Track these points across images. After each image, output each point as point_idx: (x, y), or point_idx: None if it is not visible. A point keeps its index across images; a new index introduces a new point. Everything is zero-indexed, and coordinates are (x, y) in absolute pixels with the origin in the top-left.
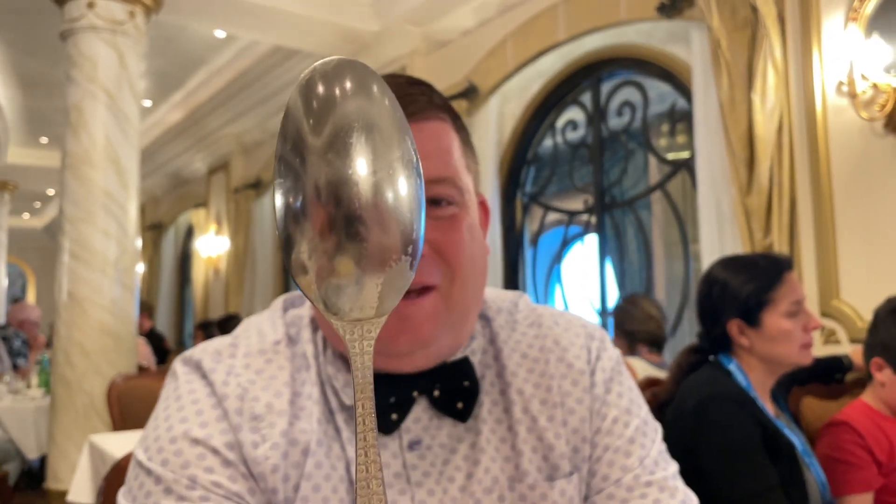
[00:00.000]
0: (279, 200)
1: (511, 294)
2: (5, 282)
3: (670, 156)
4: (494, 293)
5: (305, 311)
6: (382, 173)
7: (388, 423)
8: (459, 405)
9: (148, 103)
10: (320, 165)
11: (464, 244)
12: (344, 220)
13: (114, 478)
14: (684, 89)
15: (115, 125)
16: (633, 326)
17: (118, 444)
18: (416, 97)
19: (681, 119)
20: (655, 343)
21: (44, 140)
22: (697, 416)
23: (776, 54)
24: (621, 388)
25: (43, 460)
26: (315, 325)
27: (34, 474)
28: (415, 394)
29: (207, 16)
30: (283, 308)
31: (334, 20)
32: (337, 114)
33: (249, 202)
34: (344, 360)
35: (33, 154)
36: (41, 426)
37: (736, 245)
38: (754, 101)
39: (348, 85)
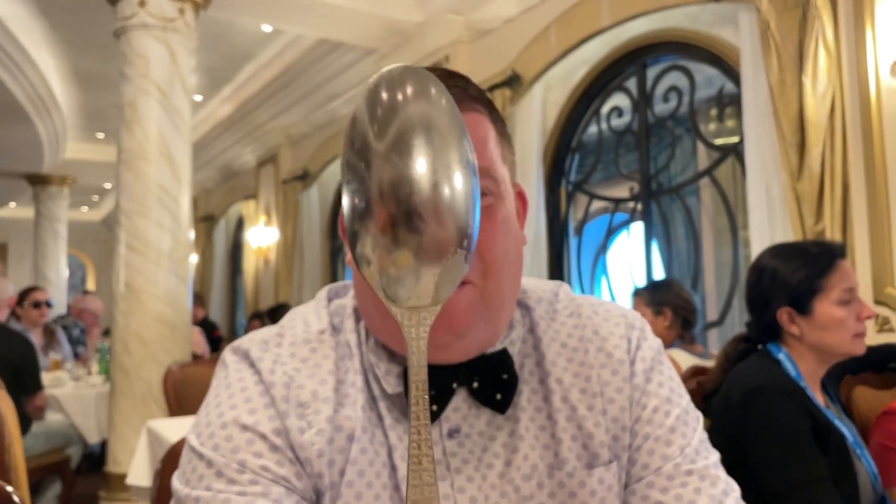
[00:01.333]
0: (346, 201)
1: (551, 284)
2: (66, 273)
3: (718, 141)
4: (534, 283)
5: (349, 301)
6: (441, 172)
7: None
8: (498, 396)
9: (199, 98)
10: (383, 167)
11: (497, 236)
12: (404, 216)
13: (169, 462)
14: (732, 73)
15: (168, 120)
16: (691, 317)
17: (174, 429)
18: (451, 89)
19: (730, 103)
20: (688, 324)
21: (100, 135)
22: (745, 407)
23: (828, 35)
24: (661, 377)
25: (103, 445)
26: (358, 314)
27: (95, 458)
28: (454, 385)
29: (254, 10)
30: (328, 298)
31: (378, 12)
32: (399, 117)
33: (297, 193)
34: (385, 350)
35: (90, 149)
36: (101, 412)
37: (786, 232)
38: (805, 83)
39: (409, 90)
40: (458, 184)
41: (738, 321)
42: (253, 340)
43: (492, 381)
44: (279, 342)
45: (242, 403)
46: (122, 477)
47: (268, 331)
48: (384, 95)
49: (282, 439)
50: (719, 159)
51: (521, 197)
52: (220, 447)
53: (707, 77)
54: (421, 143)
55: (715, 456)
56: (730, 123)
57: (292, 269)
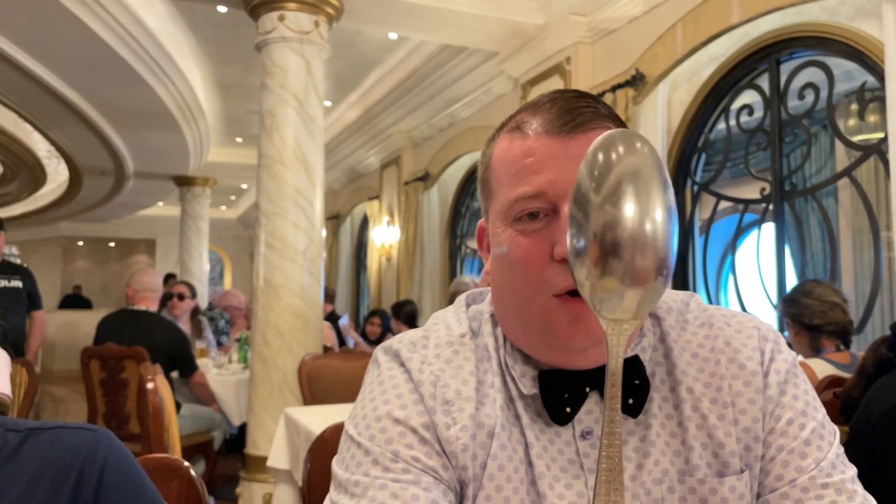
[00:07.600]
0: (569, 240)
1: (682, 294)
2: (207, 267)
3: (859, 138)
4: (666, 292)
5: (486, 306)
6: (644, 216)
7: (562, 416)
8: (630, 401)
9: (328, 104)
10: (599, 215)
11: None
12: (612, 252)
13: (318, 448)
14: (875, 68)
15: (303, 127)
16: (815, 321)
17: (309, 416)
18: (583, 109)
19: (872, 99)
20: (844, 334)
21: (238, 140)
22: (886, 424)
23: None
24: (797, 390)
25: (242, 428)
26: (495, 320)
27: (235, 441)
28: (587, 389)
29: (382, 20)
30: (466, 304)
31: (499, 16)
32: (614, 171)
33: (418, 194)
34: (520, 353)
35: (229, 152)
36: (241, 397)
37: None
38: None
39: (621, 148)
40: (658, 223)
41: (879, 327)
42: (402, 342)
43: (624, 385)
44: (425, 344)
45: (394, 399)
46: (261, 459)
47: (414, 333)
48: (600, 157)
49: (430, 433)
50: (861, 158)
51: None
52: (376, 438)
53: (846, 71)
54: (630, 191)
55: (852, 471)
56: (872, 119)
57: (413, 267)
